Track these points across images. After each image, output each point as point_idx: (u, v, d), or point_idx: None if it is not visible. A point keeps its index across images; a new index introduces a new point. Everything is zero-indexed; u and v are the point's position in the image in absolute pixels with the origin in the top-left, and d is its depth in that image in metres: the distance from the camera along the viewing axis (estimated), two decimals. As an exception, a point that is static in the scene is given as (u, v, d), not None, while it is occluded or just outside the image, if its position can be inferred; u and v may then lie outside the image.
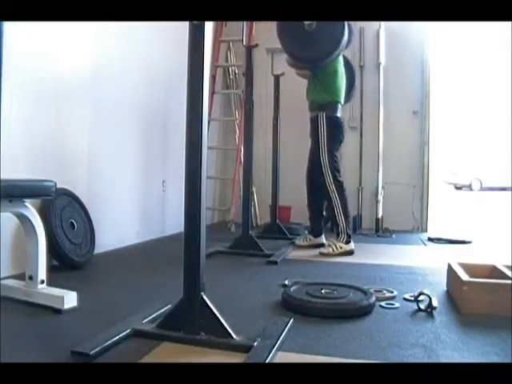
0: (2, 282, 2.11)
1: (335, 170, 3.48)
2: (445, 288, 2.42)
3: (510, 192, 12.77)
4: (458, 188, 18.47)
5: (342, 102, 3.59)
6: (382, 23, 4.91)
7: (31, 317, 1.84)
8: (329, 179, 3.45)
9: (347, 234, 3.45)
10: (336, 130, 3.52)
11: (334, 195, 3.45)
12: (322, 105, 3.49)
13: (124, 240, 3.52)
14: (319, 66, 3.48)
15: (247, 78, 3.56)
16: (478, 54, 21.70)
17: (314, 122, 3.52)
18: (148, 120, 3.86)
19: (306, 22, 3.31)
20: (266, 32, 4.88)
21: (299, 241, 3.80)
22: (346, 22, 3.34)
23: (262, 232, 4.27)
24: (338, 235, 3.47)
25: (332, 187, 3.44)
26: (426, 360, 1.49)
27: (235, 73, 5.38)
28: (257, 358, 1.41)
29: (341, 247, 3.41)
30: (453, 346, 1.61)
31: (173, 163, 4.00)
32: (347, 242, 3.44)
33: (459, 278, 2.10)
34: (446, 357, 1.52)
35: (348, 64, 3.95)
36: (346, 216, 3.46)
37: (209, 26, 1.58)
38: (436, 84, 5.26)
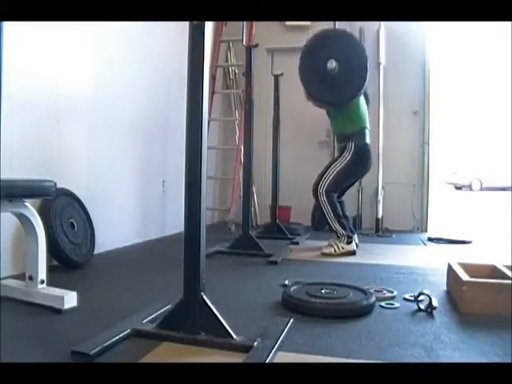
0: (2, 282, 2.11)
1: (330, 192, 3.47)
2: (445, 288, 2.42)
3: (509, 192, 12.77)
4: (458, 188, 18.46)
5: (369, 127, 3.62)
6: (382, 23, 4.91)
7: (31, 317, 1.84)
8: (322, 196, 3.46)
9: (346, 235, 3.46)
10: (360, 160, 3.54)
11: (325, 205, 3.46)
12: (351, 135, 3.54)
13: (124, 240, 3.53)
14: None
15: (247, 78, 3.56)
16: (478, 54, 21.70)
17: (343, 150, 3.56)
18: (148, 120, 3.86)
19: (329, 66, 3.34)
20: (266, 32, 4.92)
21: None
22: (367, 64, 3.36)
23: (261, 232, 4.27)
24: (338, 237, 3.49)
25: (323, 198, 3.46)
26: (425, 360, 1.49)
27: (235, 73, 5.38)
28: (257, 358, 1.41)
29: (343, 247, 3.43)
30: (453, 346, 1.61)
31: (173, 163, 4.00)
32: (348, 243, 3.45)
33: (459, 277, 2.10)
34: (446, 357, 1.52)
35: None
36: (338, 219, 3.47)
37: (209, 26, 1.58)
38: (436, 84, 5.25)
